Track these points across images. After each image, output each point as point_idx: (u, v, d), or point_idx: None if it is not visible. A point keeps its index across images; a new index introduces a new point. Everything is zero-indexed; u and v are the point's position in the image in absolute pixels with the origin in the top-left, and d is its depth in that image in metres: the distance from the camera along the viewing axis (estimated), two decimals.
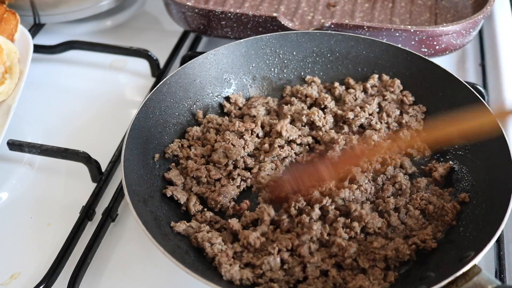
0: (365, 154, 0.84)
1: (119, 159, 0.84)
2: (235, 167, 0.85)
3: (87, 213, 0.84)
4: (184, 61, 1.08)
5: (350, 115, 0.91)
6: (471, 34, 1.03)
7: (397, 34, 0.98)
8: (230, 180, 0.83)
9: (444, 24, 0.99)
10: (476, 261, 0.65)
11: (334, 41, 0.98)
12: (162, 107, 0.88)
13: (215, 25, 1.06)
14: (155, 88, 0.88)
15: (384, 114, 0.92)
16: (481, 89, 0.99)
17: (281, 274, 0.71)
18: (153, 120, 0.86)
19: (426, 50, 1.01)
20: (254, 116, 0.92)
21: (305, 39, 0.98)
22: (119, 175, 0.91)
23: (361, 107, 0.92)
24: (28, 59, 0.98)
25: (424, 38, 0.99)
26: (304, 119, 0.91)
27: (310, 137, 0.89)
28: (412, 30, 0.97)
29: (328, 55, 0.99)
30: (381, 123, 0.91)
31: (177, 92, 0.91)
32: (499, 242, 0.79)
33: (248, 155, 0.87)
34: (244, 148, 0.86)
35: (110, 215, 0.84)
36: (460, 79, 0.89)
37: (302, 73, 1.00)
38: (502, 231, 0.80)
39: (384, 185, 0.83)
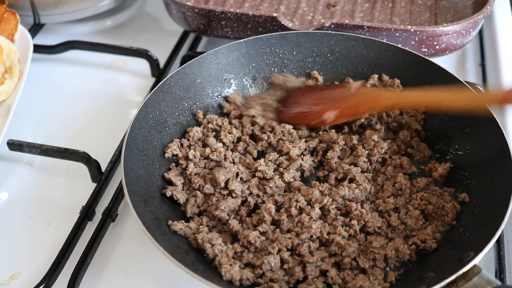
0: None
1: (119, 159, 0.84)
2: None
3: (87, 213, 0.84)
4: (184, 61, 1.08)
5: None
6: (471, 34, 1.03)
7: (397, 34, 0.98)
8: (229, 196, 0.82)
9: (444, 24, 0.99)
10: (476, 261, 0.65)
11: (334, 41, 0.98)
12: (162, 107, 0.88)
13: (215, 25, 1.06)
14: (155, 88, 0.88)
15: (384, 114, 0.92)
16: (481, 89, 0.99)
17: (281, 274, 0.71)
18: (153, 120, 0.86)
19: (426, 50, 1.01)
20: (253, 116, 0.92)
21: (305, 39, 0.98)
22: (119, 175, 0.91)
23: None
24: (28, 59, 0.98)
25: (424, 38, 0.99)
26: None
27: (315, 142, 0.89)
28: (412, 30, 0.97)
29: (328, 55, 0.99)
30: (381, 123, 0.91)
31: (177, 92, 0.91)
32: (499, 242, 0.79)
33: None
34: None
35: (110, 215, 0.84)
36: (460, 79, 0.89)
37: (302, 73, 1.00)
38: (502, 231, 0.80)
39: (384, 185, 0.83)
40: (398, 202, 0.79)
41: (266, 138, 0.89)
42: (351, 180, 0.82)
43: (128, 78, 1.14)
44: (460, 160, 0.84)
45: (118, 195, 0.86)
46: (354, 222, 0.75)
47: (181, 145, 0.88)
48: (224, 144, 0.89)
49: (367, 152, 0.86)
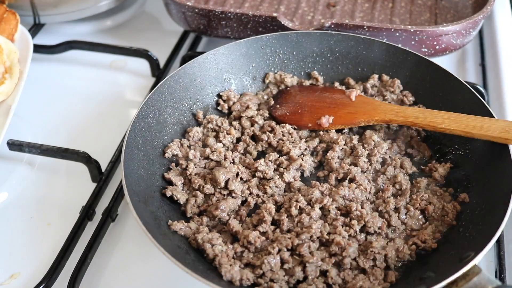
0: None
1: (119, 159, 0.84)
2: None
3: (87, 213, 0.84)
4: (184, 61, 1.08)
5: None
6: (471, 34, 1.03)
7: (397, 34, 0.98)
8: (229, 196, 0.81)
9: (444, 24, 0.99)
10: (476, 261, 0.65)
11: (334, 41, 0.98)
12: (162, 107, 0.88)
13: (215, 25, 1.06)
14: (155, 88, 0.88)
15: None
16: (481, 89, 0.99)
17: (281, 274, 0.71)
18: (153, 120, 0.86)
19: (426, 50, 1.01)
20: (252, 117, 0.92)
21: (305, 39, 0.98)
22: (119, 175, 0.92)
23: None
24: (28, 59, 0.98)
25: (424, 38, 0.99)
26: None
27: (315, 142, 0.89)
28: (412, 30, 0.97)
29: (328, 55, 0.99)
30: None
31: (177, 92, 0.91)
32: (499, 242, 0.79)
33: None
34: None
35: (110, 215, 0.84)
36: (460, 79, 0.89)
37: (302, 73, 1.00)
38: (502, 231, 0.80)
39: (384, 185, 0.83)
40: (398, 202, 0.79)
41: (266, 138, 0.89)
42: (351, 180, 0.82)
43: (128, 78, 1.14)
44: (460, 160, 0.84)
45: (118, 195, 0.86)
46: (354, 222, 0.75)
47: (181, 145, 0.88)
48: (223, 144, 0.89)
49: (367, 152, 0.86)
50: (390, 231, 0.77)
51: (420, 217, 0.78)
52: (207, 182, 0.82)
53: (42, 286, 0.75)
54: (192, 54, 1.08)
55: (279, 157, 0.86)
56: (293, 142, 0.88)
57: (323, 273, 0.72)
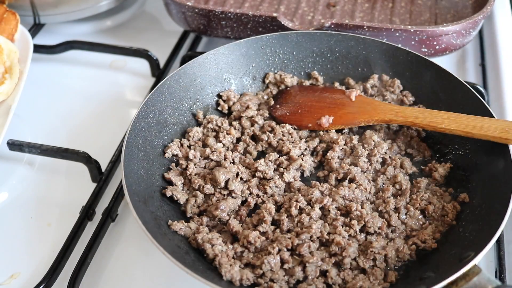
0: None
1: (119, 159, 0.84)
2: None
3: (87, 213, 0.84)
4: (184, 61, 1.08)
5: None
6: (471, 34, 1.03)
7: (397, 34, 0.98)
8: (229, 196, 0.82)
9: (444, 24, 0.99)
10: (476, 261, 0.65)
11: (334, 41, 0.98)
12: (162, 107, 0.88)
13: (215, 25, 1.06)
14: (155, 88, 0.88)
15: None
16: (481, 89, 0.99)
17: (281, 274, 0.71)
18: (153, 120, 0.86)
19: (426, 50, 1.01)
20: (252, 117, 0.92)
21: (305, 39, 0.98)
22: (119, 175, 0.92)
23: None
24: (28, 59, 0.98)
25: (424, 38, 0.99)
26: None
27: (315, 142, 0.89)
28: (412, 30, 0.97)
29: (328, 55, 0.99)
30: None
31: (177, 92, 0.91)
32: (499, 242, 0.79)
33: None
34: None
35: (110, 215, 0.84)
36: (460, 79, 0.89)
37: (302, 73, 1.00)
38: (502, 231, 0.80)
39: (384, 185, 0.83)
40: (398, 202, 0.79)
41: (266, 138, 0.89)
42: (351, 180, 0.82)
43: (128, 78, 1.14)
44: (460, 160, 0.84)
45: (118, 195, 0.86)
46: (354, 222, 0.75)
47: (181, 145, 0.88)
48: (223, 144, 0.89)
49: (367, 152, 0.86)
50: (390, 231, 0.77)
51: (420, 217, 0.78)
52: (207, 182, 0.82)
53: (42, 286, 0.75)
54: (192, 54, 1.08)
55: (279, 157, 0.86)
56: (293, 142, 0.88)
57: (323, 273, 0.72)
